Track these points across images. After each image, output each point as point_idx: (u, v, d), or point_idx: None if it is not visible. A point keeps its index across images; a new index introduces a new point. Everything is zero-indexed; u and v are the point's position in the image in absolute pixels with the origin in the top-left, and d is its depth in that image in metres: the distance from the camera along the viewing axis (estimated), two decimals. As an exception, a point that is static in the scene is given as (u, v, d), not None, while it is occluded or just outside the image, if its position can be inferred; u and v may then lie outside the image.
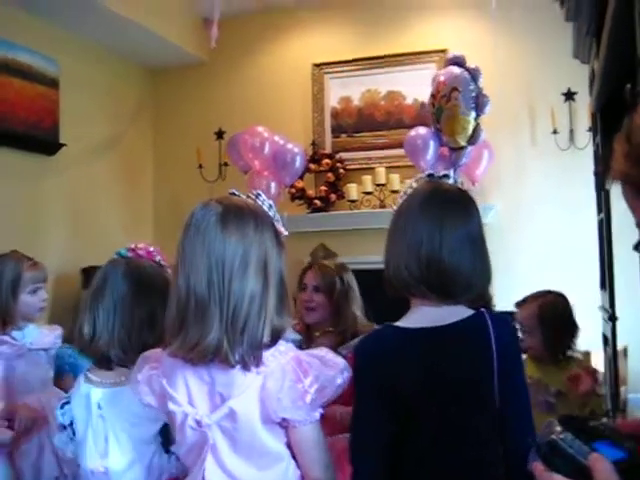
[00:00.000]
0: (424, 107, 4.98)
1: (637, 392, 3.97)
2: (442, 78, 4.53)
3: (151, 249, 1.77)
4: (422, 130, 4.70)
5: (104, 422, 1.65)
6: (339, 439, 2.09)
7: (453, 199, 1.54)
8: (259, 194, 1.51)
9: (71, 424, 1.75)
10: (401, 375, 1.41)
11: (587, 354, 4.14)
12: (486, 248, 1.52)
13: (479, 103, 4.44)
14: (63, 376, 2.76)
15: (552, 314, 2.60)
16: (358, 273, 2.64)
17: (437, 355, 1.43)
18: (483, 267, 1.50)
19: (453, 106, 4.43)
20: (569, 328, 2.64)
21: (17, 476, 2.40)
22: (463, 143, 4.49)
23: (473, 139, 4.48)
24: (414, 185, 1.58)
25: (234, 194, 1.45)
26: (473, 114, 4.45)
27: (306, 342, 2.46)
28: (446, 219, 1.48)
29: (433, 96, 4.58)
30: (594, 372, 2.57)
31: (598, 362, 3.85)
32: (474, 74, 4.47)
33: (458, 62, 4.54)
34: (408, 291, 1.49)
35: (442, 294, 1.46)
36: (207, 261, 1.30)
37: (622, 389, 3.21)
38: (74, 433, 1.74)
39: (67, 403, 1.77)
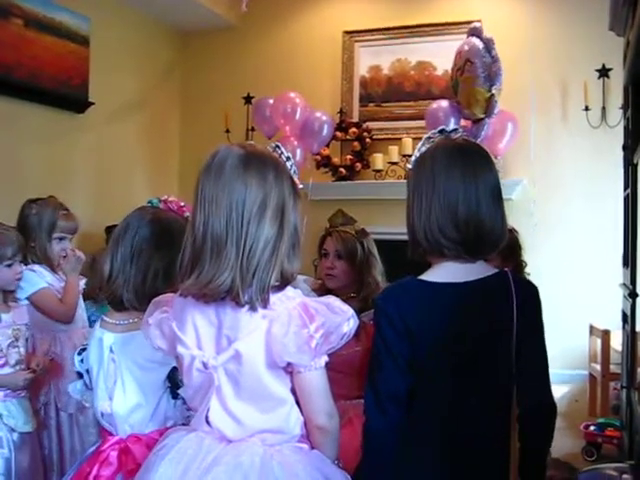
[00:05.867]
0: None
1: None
2: (457, 49, 4.53)
3: (182, 204, 1.81)
4: (444, 103, 4.69)
5: (115, 365, 1.69)
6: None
7: (478, 153, 1.50)
8: (278, 145, 1.52)
9: (88, 372, 1.78)
10: (422, 325, 1.41)
11: (606, 332, 4.12)
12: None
13: (491, 74, 4.38)
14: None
15: None
16: (381, 243, 2.62)
17: (459, 310, 1.42)
18: (505, 219, 1.47)
19: (467, 78, 4.40)
20: None
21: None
22: (480, 115, 4.47)
23: (489, 110, 4.45)
24: (426, 144, 1.54)
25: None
26: (487, 85, 4.41)
27: None
28: (479, 175, 1.44)
29: (453, 70, 4.58)
30: None
31: (617, 341, 3.82)
32: (488, 44, 4.42)
33: (476, 33, 4.50)
34: (440, 253, 1.45)
35: (476, 253, 1.44)
36: (227, 201, 1.31)
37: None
38: (90, 381, 1.78)
39: (85, 349, 1.81)
